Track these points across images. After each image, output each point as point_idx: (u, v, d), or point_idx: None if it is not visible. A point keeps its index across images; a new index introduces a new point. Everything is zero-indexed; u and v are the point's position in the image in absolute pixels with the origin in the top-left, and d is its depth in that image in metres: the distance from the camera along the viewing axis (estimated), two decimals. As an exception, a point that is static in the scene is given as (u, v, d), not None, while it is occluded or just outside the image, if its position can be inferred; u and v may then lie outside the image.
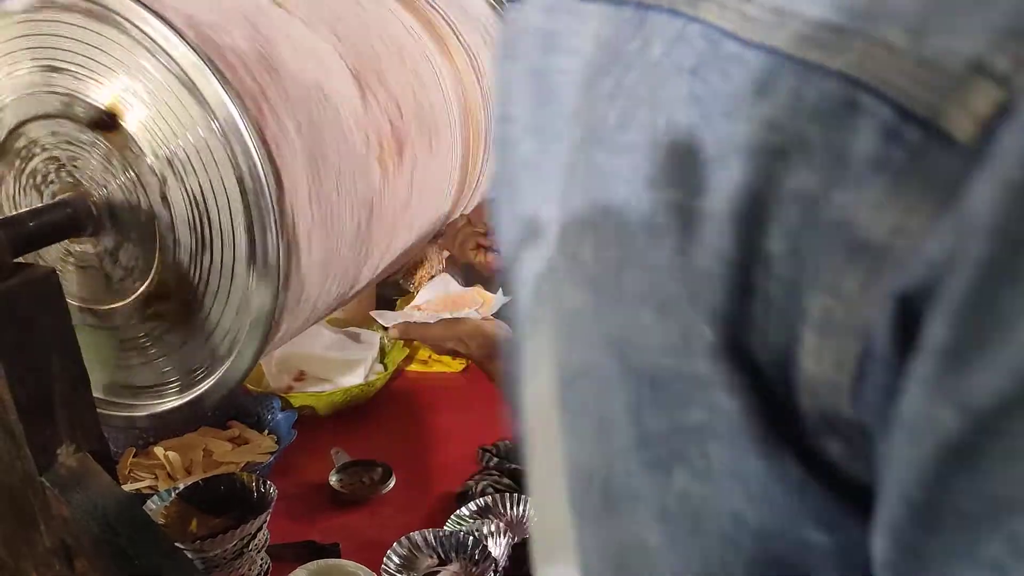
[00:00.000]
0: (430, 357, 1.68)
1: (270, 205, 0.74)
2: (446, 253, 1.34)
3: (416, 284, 1.30)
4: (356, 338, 1.62)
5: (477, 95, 1.20)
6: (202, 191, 0.76)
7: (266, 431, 1.36)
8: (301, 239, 0.79)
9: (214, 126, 0.74)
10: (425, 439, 1.46)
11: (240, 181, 0.74)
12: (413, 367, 1.67)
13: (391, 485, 1.27)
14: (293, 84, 0.82)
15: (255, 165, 0.73)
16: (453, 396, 1.61)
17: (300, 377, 1.51)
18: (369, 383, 1.49)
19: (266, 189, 0.73)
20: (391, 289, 1.70)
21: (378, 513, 1.25)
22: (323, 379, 1.50)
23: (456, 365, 1.67)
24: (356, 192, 0.86)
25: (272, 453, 1.29)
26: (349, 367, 1.51)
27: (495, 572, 0.92)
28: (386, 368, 1.58)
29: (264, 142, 0.74)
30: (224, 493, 1.05)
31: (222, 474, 1.07)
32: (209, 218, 0.76)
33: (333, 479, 1.28)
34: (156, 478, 1.23)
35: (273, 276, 0.76)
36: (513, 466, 1.27)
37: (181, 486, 1.08)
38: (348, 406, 1.48)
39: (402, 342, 1.64)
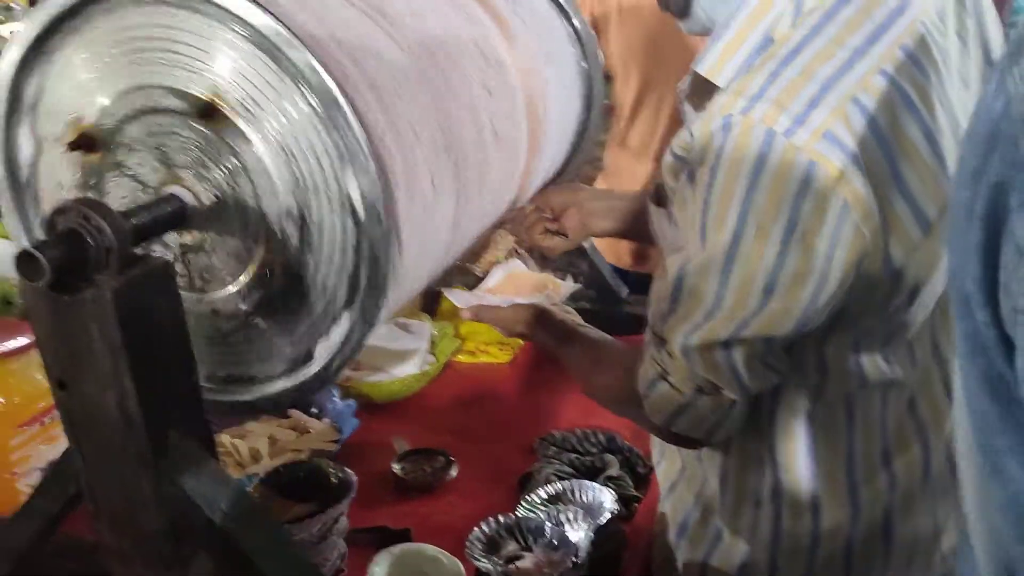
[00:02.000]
0: (477, 348, 1.71)
1: (374, 183, 0.75)
2: (512, 238, 1.36)
3: (482, 269, 1.32)
4: (406, 328, 1.64)
5: (536, 78, 1.21)
6: (303, 174, 0.78)
7: (326, 420, 1.39)
8: (402, 220, 0.81)
9: (317, 108, 0.75)
10: (479, 428, 1.48)
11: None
12: (461, 358, 1.69)
13: (454, 473, 1.30)
14: (382, 62, 0.84)
15: (360, 147, 0.75)
16: (501, 387, 1.63)
17: (356, 367, 1.53)
18: (424, 373, 1.51)
19: (370, 168, 0.75)
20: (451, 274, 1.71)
21: (443, 499, 1.28)
22: (378, 369, 1.52)
23: (503, 356, 1.69)
24: (448, 172, 0.88)
25: (336, 441, 1.32)
26: (403, 357, 1.54)
27: (576, 557, 0.94)
28: (437, 359, 1.60)
29: (364, 124, 0.76)
30: (303, 480, 1.07)
31: (300, 461, 1.09)
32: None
33: (396, 467, 1.30)
34: (225, 465, 1.25)
35: (378, 257, 0.77)
36: (573, 455, 1.29)
37: (257, 473, 1.10)
38: (403, 395, 1.50)
39: (452, 332, 1.66)
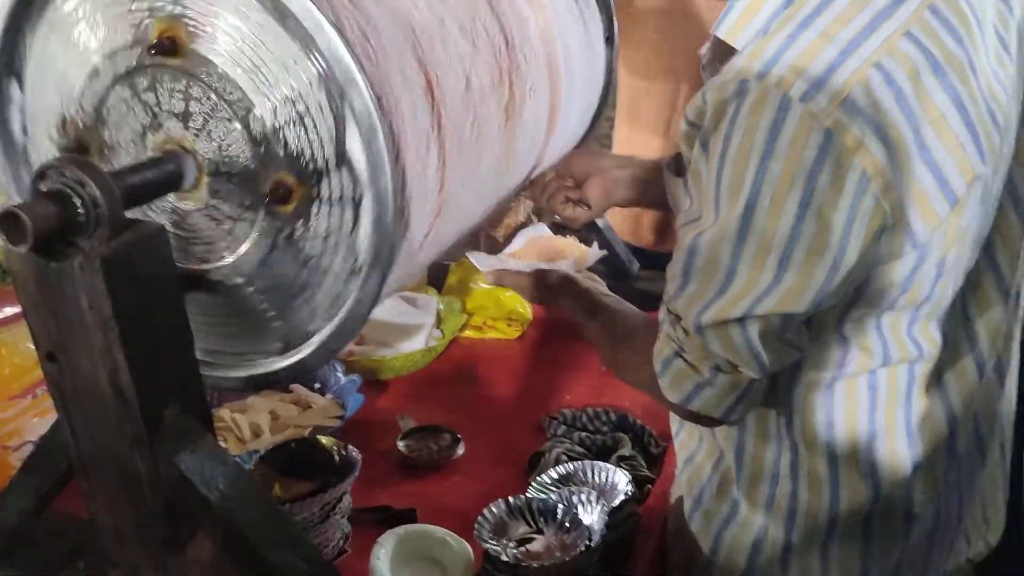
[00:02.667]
0: (484, 324, 1.67)
1: (383, 151, 0.71)
2: (531, 204, 1.31)
3: (502, 235, 1.27)
4: (413, 303, 1.60)
5: (556, 39, 1.16)
6: (310, 139, 0.73)
7: (329, 395, 1.35)
8: (413, 187, 0.76)
9: (323, 71, 0.71)
10: (486, 406, 1.45)
11: (351, 126, 0.71)
12: (468, 333, 1.65)
13: (461, 451, 1.26)
14: (397, 22, 0.79)
15: (369, 112, 0.70)
16: (509, 363, 1.59)
17: (360, 342, 1.50)
18: (430, 348, 1.48)
19: (380, 136, 0.70)
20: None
21: (449, 479, 1.24)
22: (383, 344, 1.49)
23: (511, 332, 1.66)
24: (470, 140, 0.83)
25: (339, 417, 1.28)
26: (409, 332, 1.50)
27: (589, 540, 0.91)
28: (443, 334, 1.56)
29: (373, 86, 0.71)
30: (305, 457, 1.04)
31: (302, 438, 1.06)
32: (317, 167, 0.73)
33: (401, 445, 1.27)
34: (225, 440, 1.22)
35: (387, 225, 0.73)
36: (583, 434, 1.25)
37: (258, 449, 1.07)
38: (409, 371, 1.46)
39: (460, 307, 1.62)
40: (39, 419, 1.11)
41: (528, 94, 1.00)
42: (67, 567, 0.89)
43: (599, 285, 1.11)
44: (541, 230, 1.27)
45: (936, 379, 0.89)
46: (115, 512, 0.79)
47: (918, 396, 0.89)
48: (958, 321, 0.89)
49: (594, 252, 1.23)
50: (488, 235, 1.27)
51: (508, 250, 1.21)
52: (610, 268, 1.69)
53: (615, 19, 1.32)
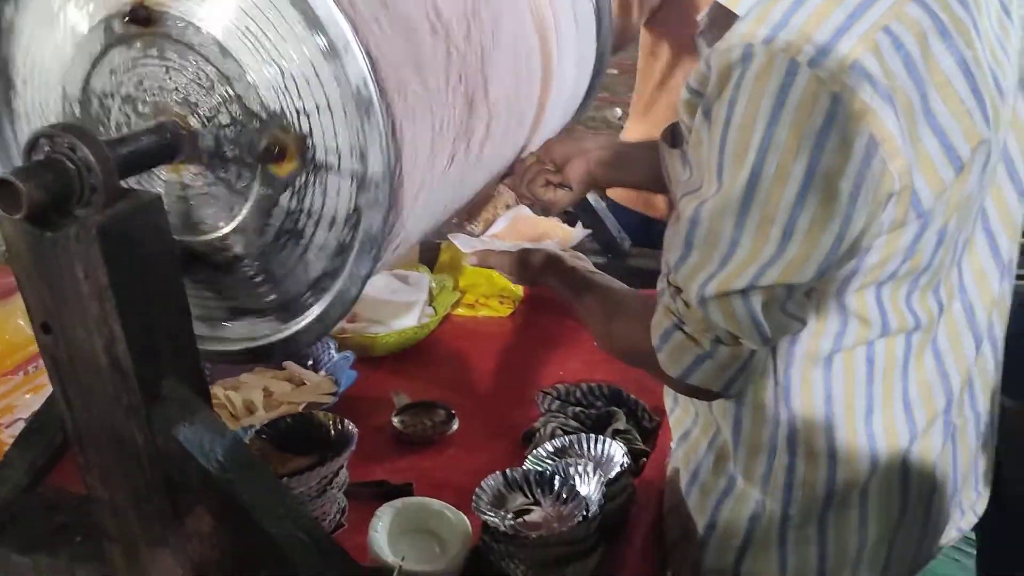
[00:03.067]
0: (476, 301, 1.66)
1: (380, 122, 0.70)
2: (512, 193, 1.30)
3: (481, 224, 1.26)
4: (405, 280, 1.59)
5: (550, 26, 1.16)
6: (306, 109, 0.72)
7: (322, 372, 1.34)
8: (406, 161, 0.76)
9: (321, 43, 0.70)
10: (480, 382, 1.45)
11: (349, 98, 0.70)
12: (460, 311, 1.65)
13: (455, 427, 1.26)
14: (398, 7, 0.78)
15: (366, 83, 0.70)
16: (502, 340, 1.59)
17: (352, 319, 1.49)
18: (423, 325, 1.47)
19: (376, 108, 0.70)
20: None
21: (444, 454, 1.24)
22: (376, 321, 1.48)
23: (503, 310, 1.65)
24: (458, 118, 0.83)
25: (333, 394, 1.28)
26: (401, 309, 1.49)
27: (587, 511, 0.91)
28: (436, 311, 1.56)
29: (372, 58, 0.71)
30: (300, 432, 1.03)
31: (297, 413, 1.05)
32: (313, 138, 0.73)
33: (396, 420, 1.26)
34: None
35: (382, 197, 0.72)
36: (577, 408, 1.26)
37: (253, 425, 1.06)
38: (402, 348, 1.46)
39: (452, 285, 1.61)
40: (32, 395, 1.11)
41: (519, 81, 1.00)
42: (62, 542, 0.88)
43: (585, 263, 1.10)
44: (524, 211, 1.26)
45: (933, 349, 0.89)
46: (112, 485, 0.78)
47: (915, 367, 0.89)
48: (955, 291, 0.89)
49: (578, 232, 1.22)
50: (466, 229, 1.26)
51: (492, 231, 1.20)
52: (602, 245, 1.69)
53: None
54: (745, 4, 0.77)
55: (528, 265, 1.09)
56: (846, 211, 0.74)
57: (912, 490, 0.93)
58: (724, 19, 0.80)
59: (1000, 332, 0.97)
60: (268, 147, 0.72)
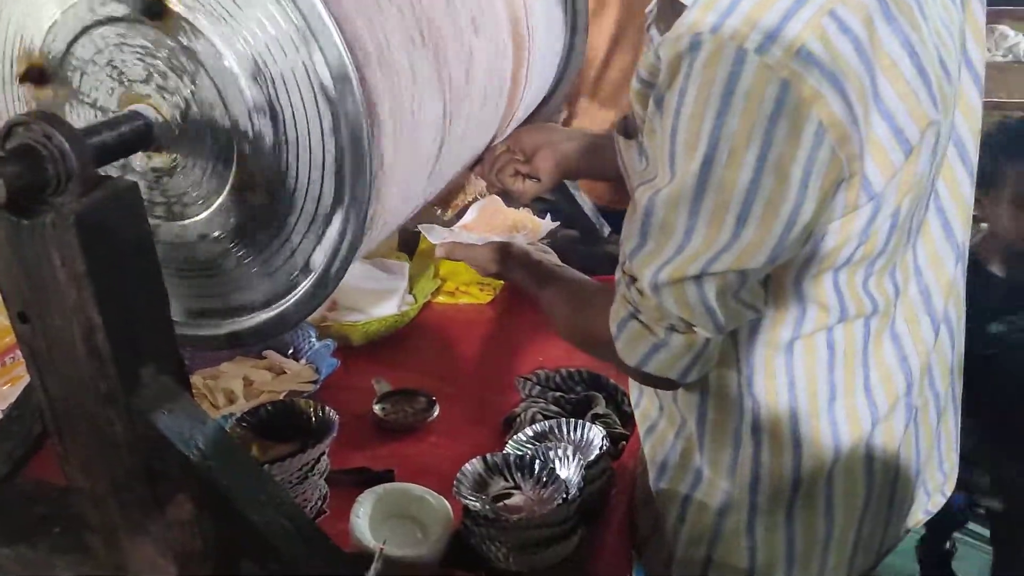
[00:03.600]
0: (457, 289, 1.67)
1: (357, 107, 0.70)
2: (483, 182, 1.30)
3: (451, 213, 1.26)
4: (385, 268, 1.59)
5: (523, 17, 1.15)
6: (279, 95, 0.72)
7: (303, 360, 1.35)
8: (386, 148, 0.76)
9: (297, 24, 0.70)
10: (460, 369, 1.45)
11: (324, 86, 0.70)
12: (440, 299, 1.65)
13: (436, 413, 1.27)
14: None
15: (344, 70, 0.69)
16: (482, 327, 1.60)
17: (333, 307, 1.49)
18: (403, 313, 1.48)
19: (355, 90, 0.70)
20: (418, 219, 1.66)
21: (425, 440, 1.25)
22: (356, 310, 1.48)
23: (483, 297, 1.66)
24: (432, 105, 0.83)
25: (314, 382, 1.28)
26: (381, 297, 1.50)
27: (567, 493, 0.92)
28: (416, 299, 1.56)
29: (349, 44, 0.71)
30: (281, 420, 1.03)
31: (278, 401, 1.05)
32: (287, 125, 0.73)
33: (377, 408, 1.27)
34: (199, 408, 1.21)
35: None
36: (557, 394, 1.26)
37: (234, 413, 1.06)
38: (382, 336, 1.46)
39: (432, 273, 1.62)
40: (9, 387, 1.10)
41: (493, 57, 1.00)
42: (42, 533, 0.88)
43: (552, 257, 1.10)
44: (495, 202, 1.26)
45: (892, 333, 0.90)
46: (92, 474, 0.78)
47: (874, 351, 0.90)
48: (910, 274, 0.89)
49: (547, 224, 1.23)
50: (436, 216, 1.26)
51: (461, 222, 1.20)
52: (580, 232, 1.69)
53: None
54: None
55: (494, 258, 1.09)
56: (797, 196, 0.74)
57: (876, 474, 0.94)
58: (672, 9, 0.80)
59: (955, 314, 0.98)
60: (243, 133, 0.72)
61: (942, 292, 0.92)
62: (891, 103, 0.75)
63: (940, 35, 0.80)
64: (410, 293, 1.58)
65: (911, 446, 0.97)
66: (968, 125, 0.89)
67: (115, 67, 0.75)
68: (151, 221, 0.76)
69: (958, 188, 0.90)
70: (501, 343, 1.54)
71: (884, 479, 0.95)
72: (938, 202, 0.89)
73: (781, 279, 0.84)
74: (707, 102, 0.72)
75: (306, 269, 0.78)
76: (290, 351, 1.36)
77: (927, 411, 0.98)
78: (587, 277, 1.05)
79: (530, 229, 1.21)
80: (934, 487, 1.06)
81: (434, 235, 1.17)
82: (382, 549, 0.83)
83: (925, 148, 0.79)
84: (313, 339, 1.36)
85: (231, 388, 1.25)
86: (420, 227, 1.21)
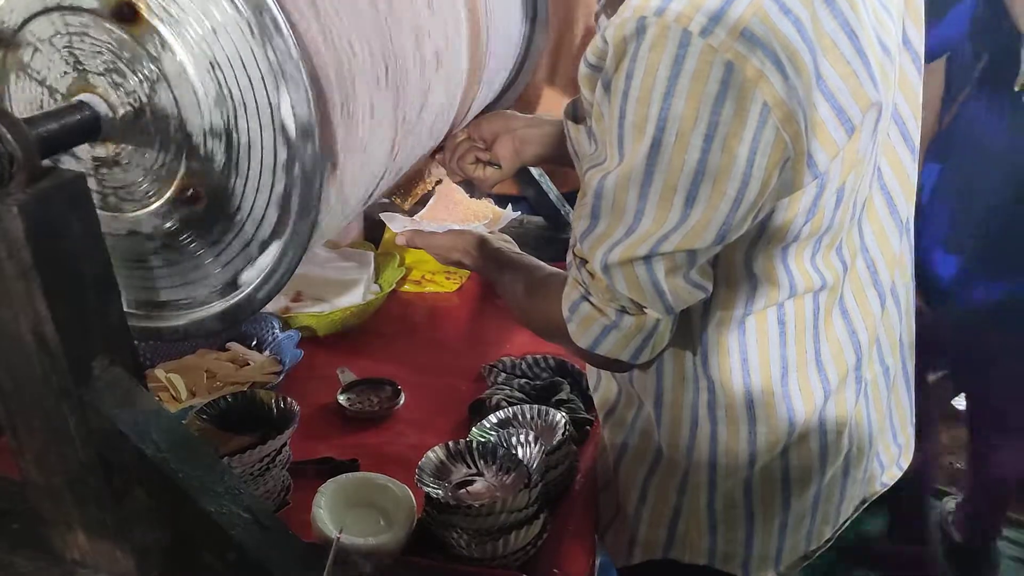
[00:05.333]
0: (423, 278, 1.66)
1: (315, 155, 0.71)
2: (442, 170, 1.30)
3: (411, 202, 1.26)
4: (350, 258, 1.58)
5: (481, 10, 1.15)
6: (229, 87, 0.72)
7: (267, 352, 1.34)
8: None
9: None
10: (426, 357, 1.45)
11: (286, 128, 0.70)
12: (407, 288, 1.65)
13: (401, 402, 1.27)
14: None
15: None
16: (448, 316, 1.60)
17: (297, 298, 1.48)
18: (368, 303, 1.47)
19: (315, 141, 0.70)
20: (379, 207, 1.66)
21: (390, 430, 1.24)
22: (320, 299, 1.47)
23: (449, 285, 1.66)
24: (392, 89, 0.82)
25: (277, 373, 1.27)
26: (346, 287, 1.49)
27: (529, 479, 0.93)
28: (381, 288, 1.55)
29: (297, 33, 0.70)
30: (242, 411, 1.03)
31: (238, 392, 1.05)
32: (240, 151, 0.73)
33: (341, 398, 1.27)
34: (160, 400, 1.20)
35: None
36: (523, 380, 1.27)
37: (194, 406, 1.05)
38: (347, 326, 1.46)
39: (397, 262, 1.61)
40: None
41: (448, 58, 1.00)
42: (1, 529, 0.87)
43: (511, 246, 1.11)
44: (456, 191, 1.26)
45: (840, 308, 0.92)
46: (46, 469, 0.78)
47: (824, 326, 0.91)
48: (857, 250, 0.91)
49: (507, 213, 1.23)
50: (396, 203, 1.26)
51: (422, 212, 1.20)
52: (546, 217, 1.70)
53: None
54: None
55: (454, 246, 1.10)
56: (744, 175, 0.75)
57: (830, 447, 0.96)
58: None
59: (903, 288, 1.00)
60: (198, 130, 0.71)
61: (887, 266, 0.95)
62: (833, 83, 0.76)
63: (878, 14, 0.81)
64: (376, 282, 1.57)
65: (863, 418, 0.99)
66: (908, 104, 0.91)
67: (72, 54, 0.74)
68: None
69: (901, 165, 0.92)
70: (467, 331, 1.54)
71: (837, 451, 0.97)
72: (881, 180, 0.91)
73: (731, 257, 0.85)
74: (653, 85, 0.73)
75: (233, 284, 0.78)
76: (253, 342, 1.35)
77: (877, 384, 1.01)
78: (544, 264, 1.06)
79: (490, 219, 1.21)
80: (889, 459, 1.08)
81: (396, 224, 1.16)
82: (339, 538, 0.83)
83: (867, 128, 0.80)
84: (277, 330, 1.35)
85: (193, 380, 1.24)
86: (381, 215, 1.21)
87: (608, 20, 0.82)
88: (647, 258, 0.79)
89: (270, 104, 0.71)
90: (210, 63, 0.71)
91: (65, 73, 0.75)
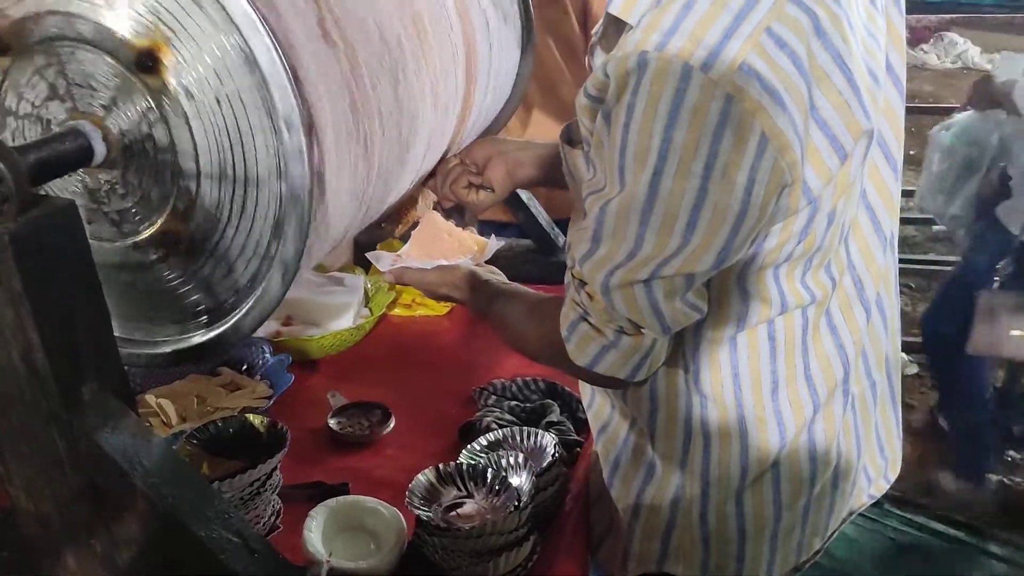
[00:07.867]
0: (413, 301, 1.67)
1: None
2: (434, 196, 1.31)
3: (402, 228, 1.27)
4: (340, 282, 1.59)
5: (473, 30, 1.17)
6: (224, 118, 0.73)
7: (258, 376, 1.34)
8: (328, 162, 0.77)
9: (240, 47, 0.71)
10: (417, 381, 1.45)
11: (267, 109, 0.71)
12: (397, 311, 1.65)
13: (392, 426, 1.27)
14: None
15: (287, 95, 0.71)
16: (438, 339, 1.60)
17: (288, 322, 1.49)
18: (358, 327, 1.48)
19: (296, 113, 0.71)
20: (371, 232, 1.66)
21: (381, 453, 1.25)
22: (311, 324, 1.48)
23: (440, 309, 1.66)
24: (386, 114, 0.84)
25: (268, 397, 1.27)
26: (337, 311, 1.49)
27: (518, 501, 0.93)
28: (372, 312, 1.56)
29: (293, 69, 0.72)
30: (233, 436, 1.03)
31: (229, 417, 1.05)
32: (231, 145, 0.73)
33: (332, 422, 1.27)
34: (151, 426, 1.20)
35: (302, 200, 0.73)
36: (513, 403, 1.27)
37: (185, 431, 1.06)
38: (338, 350, 1.46)
39: (387, 286, 1.62)
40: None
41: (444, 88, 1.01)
42: (-11, 558, 0.87)
43: (500, 277, 1.13)
44: (439, 223, 1.26)
45: (828, 322, 0.94)
46: (35, 495, 0.78)
47: (812, 341, 0.94)
48: (844, 267, 0.94)
49: (492, 243, 1.24)
50: (387, 229, 1.26)
51: (406, 248, 1.21)
52: (536, 241, 1.71)
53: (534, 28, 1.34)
54: (636, 13, 0.80)
55: (443, 281, 1.12)
56: (742, 203, 0.77)
57: (819, 460, 0.98)
58: (615, 27, 0.83)
59: (888, 302, 1.03)
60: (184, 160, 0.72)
61: (873, 281, 0.97)
62: (827, 113, 0.79)
63: (867, 44, 0.84)
64: (366, 306, 1.58)
65: (850, 431, 1.01)
66: (890, 126, 0.94)
67: (78, 84, 0.75)
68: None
69: (885, 185, 0.95)
70: (458, 355, 1.55)
71: (826, 463, 0.99)
72: (866, 200, 0.93)
73: (725, 278, 0.88)
74: (655, 116, 0.75)
75: (221, 310, 0.79)
76: (244, 367, 1.35)
77: (864, 398, 1.03)
78: (535, 291, 1.08)
79: (476, 251, 1.21)
80: (876, 472, 1.10)
81: (382, 263, 1.17)
82: (328, 562, 0.83)
83: (857, 154, 0.83)
84: (267, 354, 1.36)
85: (183, 406, 1.24)
86: (368, 255, 1.22)
87: (604, 53, 0.84)
88: (647, 281, 0.82)
89: (267, 147, 0.72)
90: (201, 91, 0.72)
91: (66, 99, 0.76)
